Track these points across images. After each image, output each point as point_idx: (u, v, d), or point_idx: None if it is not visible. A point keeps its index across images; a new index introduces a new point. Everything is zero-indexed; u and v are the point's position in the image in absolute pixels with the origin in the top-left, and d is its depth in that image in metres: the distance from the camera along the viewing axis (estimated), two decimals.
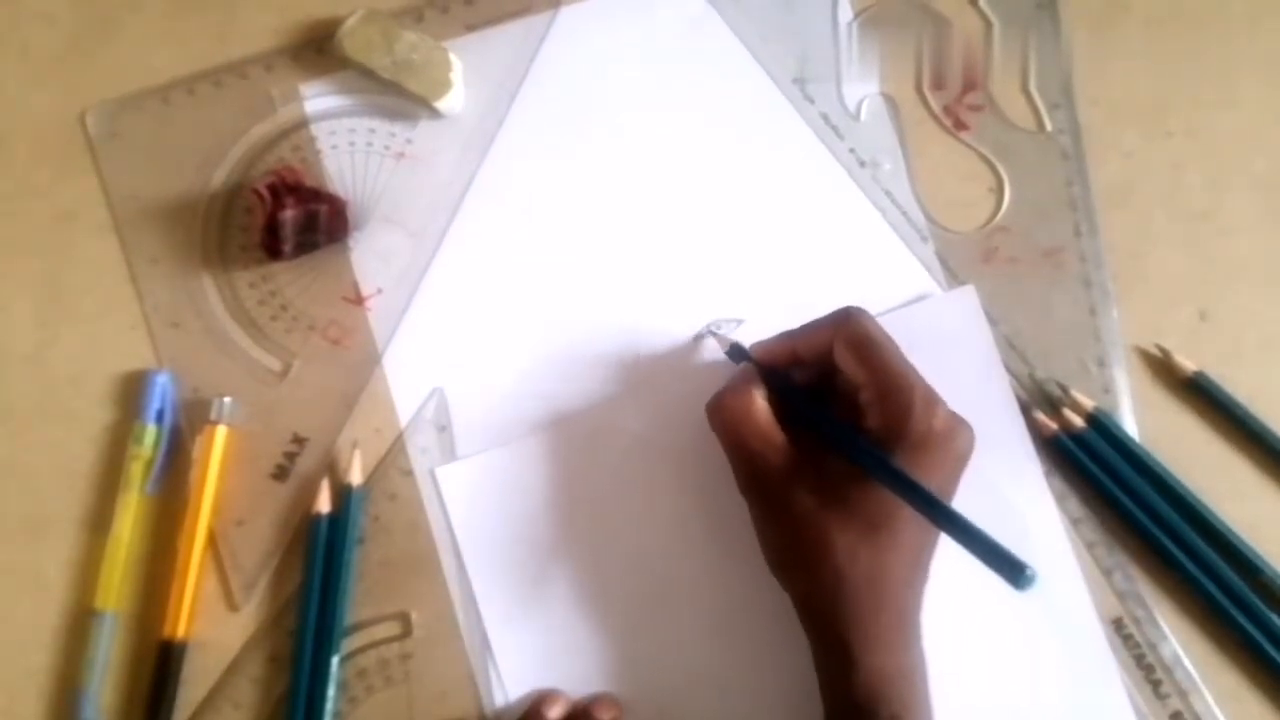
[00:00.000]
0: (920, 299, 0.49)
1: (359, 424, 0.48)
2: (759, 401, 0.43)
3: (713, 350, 0.48)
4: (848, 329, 0.42)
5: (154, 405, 0.47)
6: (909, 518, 0.40)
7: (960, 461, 0.41)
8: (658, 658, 0.46)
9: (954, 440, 0.41)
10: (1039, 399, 0.49)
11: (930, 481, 0.39)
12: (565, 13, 0.51)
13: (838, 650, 0.40)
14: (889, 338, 0.42)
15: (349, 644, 0.46)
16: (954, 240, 0.50)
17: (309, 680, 0.45)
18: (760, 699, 0.46)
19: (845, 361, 0.42)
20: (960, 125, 0.51)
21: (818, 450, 0.42)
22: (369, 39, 0.49)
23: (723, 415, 0.43)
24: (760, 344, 0.45)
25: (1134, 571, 0.47)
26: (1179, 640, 0.46)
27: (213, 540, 0.47)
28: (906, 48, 0.52)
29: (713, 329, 0.48)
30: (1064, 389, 0.48)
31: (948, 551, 0.42)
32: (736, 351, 0.46)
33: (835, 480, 0.41)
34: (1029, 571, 0.35)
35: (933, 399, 0.41)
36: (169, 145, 0.50)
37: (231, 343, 0.49)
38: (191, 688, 0.46)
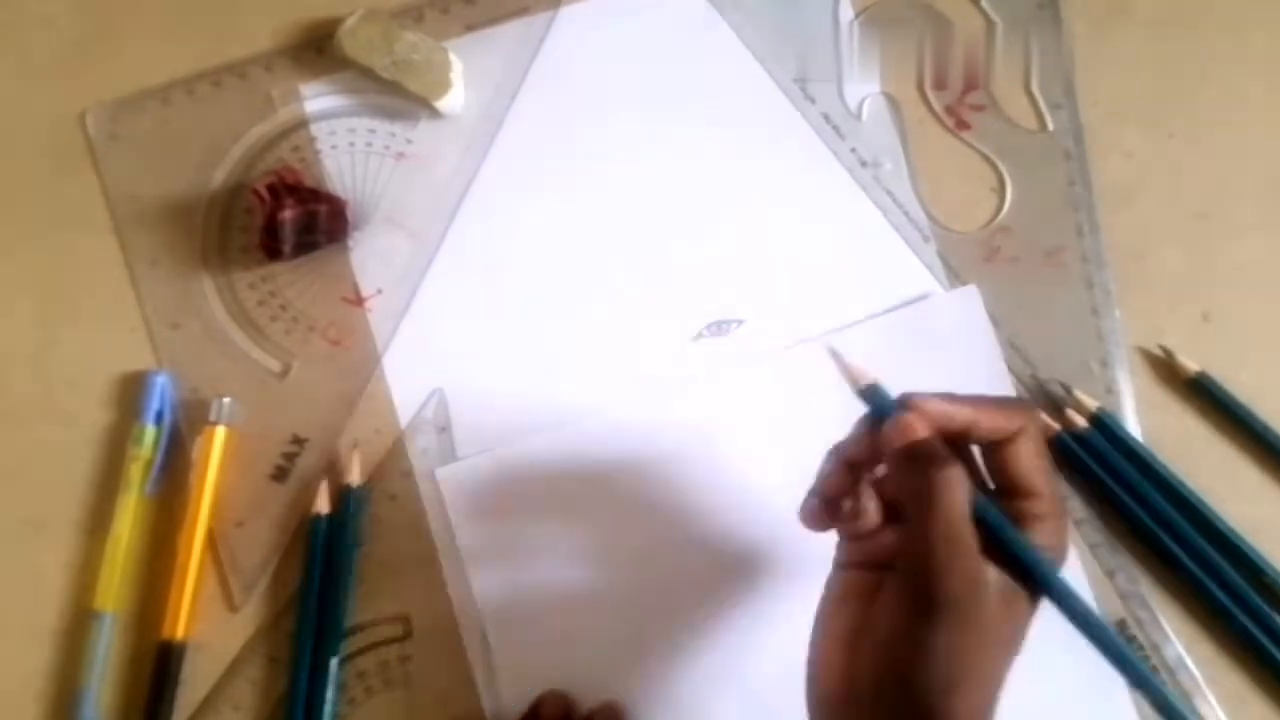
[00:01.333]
0: (922, 299, 0.49)
1: (359, 425, 0.48)
2: (970, 495, 0.34)
3: (829, 371, 0.37)
4: (1040, 428, 0.37)
5: (153, 406, 0.47)
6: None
7: None
8: (658, 659, 0.46)
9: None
10: (1041, 399, 0.49)
11: None
12: (565, 13, 0.51)
13: None
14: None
15: (349, 645, 0.46)
16: (956, 240, 0.50)
17: (308, 682, 0.45)
18: (762, 700, 0.46)
19: (1031, 464, 0.36)
20: (962, 125, 0.51)
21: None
22: (369, 39, 0.49)
23: (947, 501, 0.33)
24: (925, 399, 0.35)
25: (1137, 573, 0.47)
26: (1182, 642, 0.46)
27: (212, 541, 0.47)
28: (908, 47, 0.52)
29: (831, 348, 0.37)
30: (1066, 389, 0.48)
31: None
32: (879, 398, 0.36)
33: (1006, 590, 0.34)
34: None
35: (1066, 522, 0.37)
36: (169, 146, 0.50)
37: (231, 344, 0.49)
38: (191, 689, 0.46)
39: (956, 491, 0.34)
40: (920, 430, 0.35)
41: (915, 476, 0.34)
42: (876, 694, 0.34)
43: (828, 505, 0.38)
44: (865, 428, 0.37)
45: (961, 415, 0.35)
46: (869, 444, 0.37)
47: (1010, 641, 0.35)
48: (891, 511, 0.38)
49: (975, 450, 0.37)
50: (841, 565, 0.39)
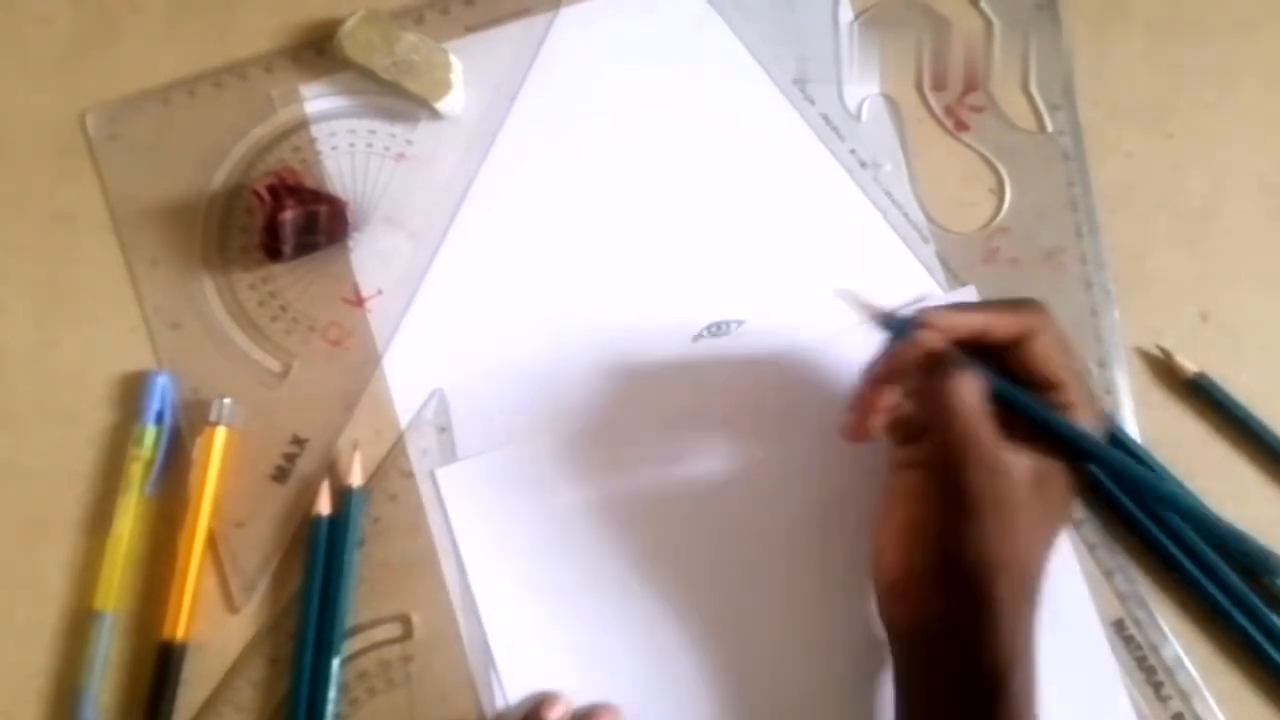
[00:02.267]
0: (921, 300, 0.49)
1: (359, 425, 0.48)
2: (983, 393, 0.38)
3: (841, 313, 0.43)
4: (1053, 325, 0.40)
5: (154, 406, 0.47)
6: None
7: None
8: (659, 659, 0.46)
9: None
10: None
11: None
12: (565, 13, 0.51)
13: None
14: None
15: (350, 646, 0.46)
16: (955, 241, 0.50)
17: (310, 683, 0.45)
18: (766, 702, 0.46)
19: (1048, 359, 0.39)
20: (961, 126, 0.51)
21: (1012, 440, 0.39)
22: (369, 40, 0.49)
23: (958, 404, 0.38)
24: (936, 314, 0.40)
25: (1135, 573, 0.47)
26: (1180, 642, 0.46)
27: (212, 542, 0.47)
28: (907, 48, 0.52)
29: (841, 291, 0.42)
30: None
31: None
32: (896, 322, 0.40)
33: (1038, 471, 0.39)
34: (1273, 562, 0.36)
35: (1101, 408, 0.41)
36: (169, 146, 0.50)
37: (231, 344, 0.49)
38: (192, 690, 0.46)
39: (966, 394, 0.38)
40: (932, 343, 0.39)
41: (930, 387, 0.39)
42: (934, 582, 0.39)
43: (859, 420, 0.42)
44: (889, 348, 0.41)
45: (972, 322, 0.39)
46: (892, 362, 0.40)
47: (1047, 519, 0.39)
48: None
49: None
50: (894, 468, 0.42)
